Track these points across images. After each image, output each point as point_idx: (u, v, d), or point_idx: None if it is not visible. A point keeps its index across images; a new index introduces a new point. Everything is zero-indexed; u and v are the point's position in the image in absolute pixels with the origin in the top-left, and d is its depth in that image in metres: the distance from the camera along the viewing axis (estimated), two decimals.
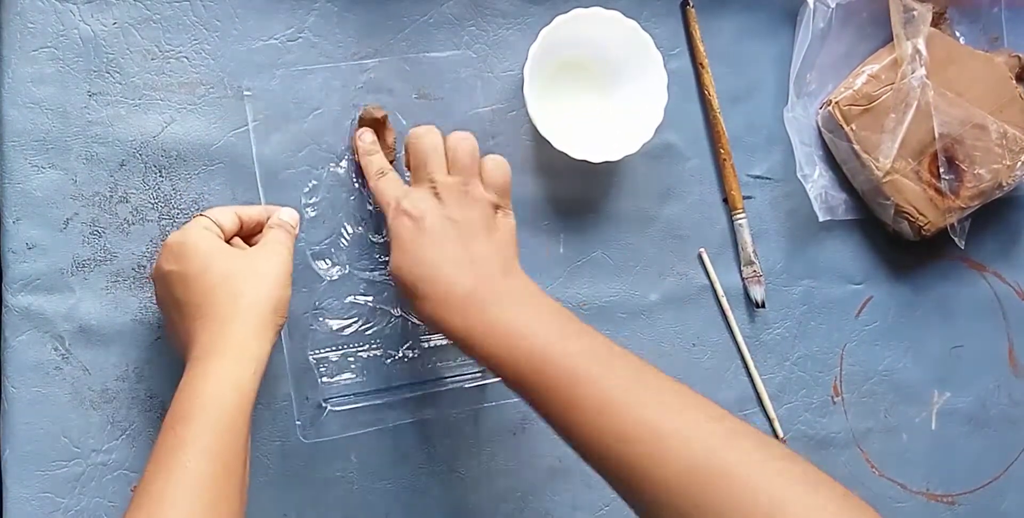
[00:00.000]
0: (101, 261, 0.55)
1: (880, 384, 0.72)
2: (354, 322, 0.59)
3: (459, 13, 0.62)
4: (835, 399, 0.71)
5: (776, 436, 0.68)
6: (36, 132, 0.54)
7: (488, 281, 0.48)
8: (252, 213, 0.54)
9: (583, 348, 0.46)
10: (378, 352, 0.60)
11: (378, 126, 0.58)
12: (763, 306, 0.68)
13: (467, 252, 0.49)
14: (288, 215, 0.54)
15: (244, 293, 0.48)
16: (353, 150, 0.58)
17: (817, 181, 0.68)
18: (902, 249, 0.72)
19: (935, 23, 0.69)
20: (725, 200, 0.68)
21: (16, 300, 0.53)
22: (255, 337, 0.47)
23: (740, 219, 0.67)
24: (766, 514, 0.37)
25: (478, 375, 0.61)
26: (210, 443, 0.43)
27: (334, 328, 0.59)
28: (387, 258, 0.58)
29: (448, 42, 0.61)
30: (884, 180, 0.67)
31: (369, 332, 0.60)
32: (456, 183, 0.50)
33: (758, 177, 0.69)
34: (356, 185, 0.59)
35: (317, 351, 0.58)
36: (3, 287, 0.54)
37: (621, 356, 0.46)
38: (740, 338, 0.68)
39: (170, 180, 0.56)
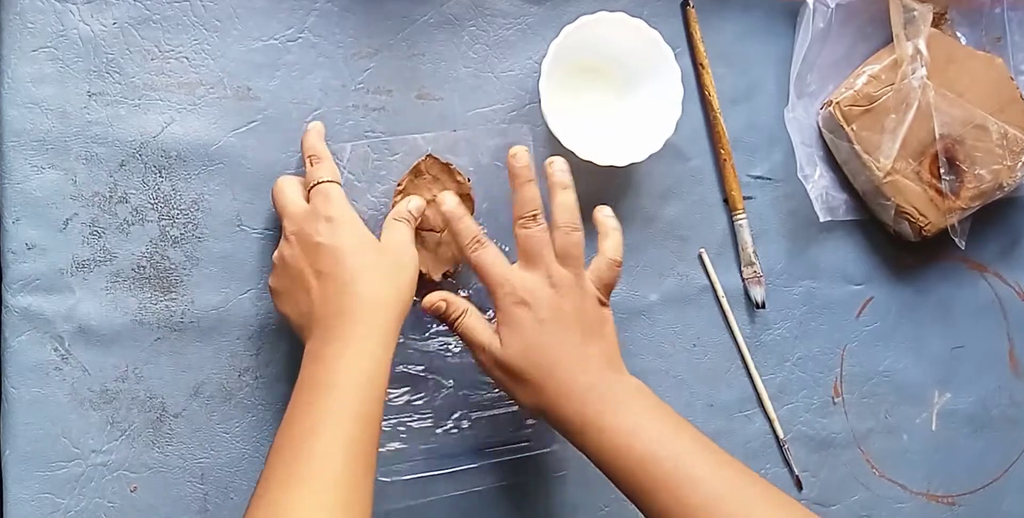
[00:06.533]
0: (101, 261, 0.55)
1: (881, 385, 0.72)
2: (405, 392, 0.59)
3: (459, 13, 0.62)
4: (835, 400, 0.71)
5: (776, 436, 0.68)
6: (36, 132, 0.54)
7: (604, 378, 0.51)
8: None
9: (687, 448, 0.49)
10: (428, 423, 0.60)
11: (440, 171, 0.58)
12: (763, 307, 0.68)
13: (584, 347, 0.52)
14: (416, 205, 0.56)
15: (385, 293, 0.51)
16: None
17: (818, 181, 0.68)
18: (903, 250, 0.72)
19: (936, 23, 0.69)
20: (725, 200, 0.68)
21: (16, 300, 0.53)
22: (390, 332, 0.51)
23: (740, 219, 0.67)
24: None
25: (527, 445, 0.61)
26: (354, 408, 0.47)
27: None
28: (439, 327, 0.59)
29: (448, 42, 0.61)
30: (885, 181, 0.67)
31: (419, 402, 0.59)
32: (569, 276, 0.53)
33: (758, 177, 0.69)
34: None
35: None
36: (3, 287, 0.54)
37: (717, 453, 0.50)
38: (740, 339, 0.68)
39: (170, 180, 0.56)
